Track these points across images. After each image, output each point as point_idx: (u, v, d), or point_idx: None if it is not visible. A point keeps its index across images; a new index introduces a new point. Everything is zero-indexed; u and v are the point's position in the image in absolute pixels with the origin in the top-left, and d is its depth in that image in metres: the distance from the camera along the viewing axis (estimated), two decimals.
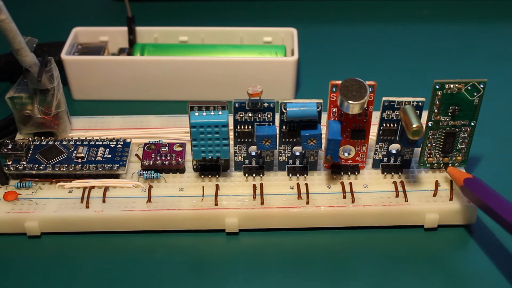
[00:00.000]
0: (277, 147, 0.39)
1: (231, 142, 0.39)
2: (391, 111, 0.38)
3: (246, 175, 0.40)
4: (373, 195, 0.39)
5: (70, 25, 0.51)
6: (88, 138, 0.41)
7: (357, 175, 0.40)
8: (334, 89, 0.37)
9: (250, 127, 0.38)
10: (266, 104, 0.37)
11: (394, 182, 0.39)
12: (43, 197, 0.38)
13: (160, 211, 0.38)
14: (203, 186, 0.39)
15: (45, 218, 0.37)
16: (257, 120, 0.38)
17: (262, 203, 0.38)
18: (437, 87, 0.37)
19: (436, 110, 0.38)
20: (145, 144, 0.41)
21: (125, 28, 0.50)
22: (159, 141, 0.41)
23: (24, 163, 0.39)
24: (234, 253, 0.37)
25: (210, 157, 0.38)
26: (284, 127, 0.38)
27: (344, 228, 0.38)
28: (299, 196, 0.39)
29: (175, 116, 0.44)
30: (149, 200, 0.38)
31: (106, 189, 0.39)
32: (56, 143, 0.40)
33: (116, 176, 0.39)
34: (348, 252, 0.37)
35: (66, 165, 0.39)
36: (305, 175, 0.40)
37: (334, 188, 0.39)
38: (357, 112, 0.36)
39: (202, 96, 0.48)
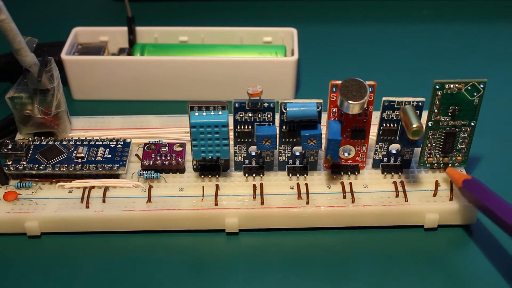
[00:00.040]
0: (277, 147, 0.39)
1: (231, 142, 0.39)
2: (391, 111, 0.38)
3: (246, 175, 0.40)
4: (373, 195, 0.39)
5: (70, 25, 0.51)
6: (88, 138, 0.41)
7: (357, 175, 0.40)
8: (334, 89, 0.37)
9: (250, 127, 0.38)
10: (266, 104, 0.37)
11: (394, 182, 0.39)
12: (43, 197, 0.38)
13: (160, 211, 0.38)
14: (203, 186, 0.39)
15: (45, 218, 0.37)
16: (257, 120, 0.38)
17: (262, 203, 0.38)
18: (437, 87, 0.37)
19: (436, 110, 0.38)
20: (145, 144, 0.41)
21: (125, 28, 0.50)
22: (159, 141, 0.41)
23: (24, 163, 0.39)
24: (234, 253, 0.37)
25: (210, 157, 0.38)
26: (284, 127, 0.38)
27: (344, 228, 0.38)
28: (299, 196, 0.39)
29: (175, 116, 0.44)
30: (149, 200, 0.38)
31: (106, 189, 0.39)
32: (56, 143, 0.40)
33: (116, 176, 0.39)
34: (348, 252, 0.37)
35: (66, 165, 0.39)
36: (305, 175, 0.40)
37: (334, 188, 0.39)
38: (357, 112, 0.36)
39: (202, 96, 0.48)
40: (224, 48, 0.49)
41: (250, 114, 0.37)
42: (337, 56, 0.55)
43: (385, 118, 0.38)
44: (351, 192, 0.39)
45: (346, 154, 0.40)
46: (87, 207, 0.38)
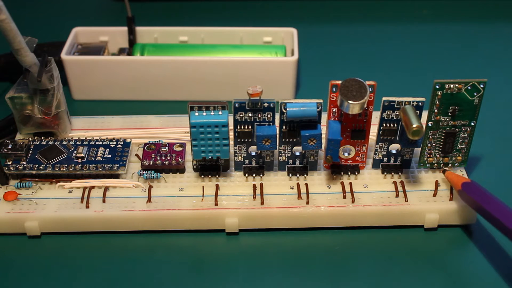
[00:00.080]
0: (277, 147, 0.39)
1: (231, 142, 0.39)
2: (391, 111, 0.38)
3: (246, 175, 0.40)
4: (373, 195, 0.39)
5: (70, 25, 0.51)
6: (88, 138, 0.41)
7: (357, 175, 0.40)
8: (334, 89, 0.37)
9: (250, 127, 0.38)
10: (266, 104, 0.37)
11: (394, 182, 0.39)
12: (43, 197, 0.38)
13: (160, 211, 0.38)
14: (203, 186, 0.39)
15: (45, 218, 0.37)
16: (257, 120, 0.38)
17: (262, 203, 0.38)
18: (437, 87, 0.37)
19: (436, 110, 0.38)
20: (145, 144, 0.41)
21: (125, 28, 0.50)
22: (159, 141, 0.41)
23: (24, 163, 0.39)
24: (234, 253, 0.37)
25: (210, 157, 0.38)
26: (284, 127, 0.38)
27: (344, 228, 0.38)
28: (299, 196, 0.39)
29: (175, 116, 0.44)
30: (149, 200, 0.38)
31: (106, 189, 0.39)
32: (56, 143, 0.40)
33: (116, 176, 0.39)
34: (348, 252, 0.37)
35: (66, 165, 0.39)
36: (305, 175, 0.40)
37: (334, 188, 0.39)
38: (357, 112, 0.36)
39: (202, 96, 0.48)
40: (224, 48, 0.49)
41: (250, 114, 0.37)
42: (337, 56, 0.55)
43: (385, 118, 0.38)
44: (351, 192, 0.39)
45: (346, 154, 0.40)
46: (87, 207, 0.38)
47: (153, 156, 0.40)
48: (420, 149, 0.39)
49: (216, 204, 0.38)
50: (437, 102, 0.37)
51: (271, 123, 0.38)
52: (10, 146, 0.39)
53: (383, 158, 0.40)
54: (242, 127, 0.38)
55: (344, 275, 0.36)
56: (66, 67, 0.47)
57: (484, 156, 0.44)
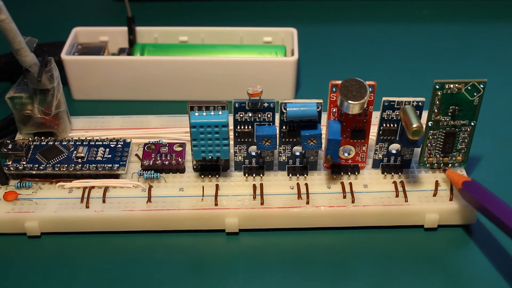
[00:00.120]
0: (277, 147, 0.39)
1: (231, 142, 0.39)
2: (391, 111, 0.38)
3: (246, 175, 0.40)
4: (373, 195, 0.39)
5: (70, 25, 0.51)
6: (88, 138, 0.41)
7: (357, 175, 0.40)
8: (334, 89, 0.37)
9: (250, 127, 0.38)
10: (266, 104, 0.37)
11: (394, 182, 0.39)
12: (43, 197, 0.38)
13: (160, 211, 0.38)
14: (203, 186, 0.39)
15: (45, 218, 0.37)
16: (257, 120, 0.38)
17: (262, 203, 0.38)
18: (437, 87, 0.37)
19: (436, 110, 0.38)
20: (145, 144, 0.41)
21: (125, 28, 0.50)
22: (159, 141, 0.41)
23: (24, 163, 0.39)
24: (234, 253, 0.37)
25: (210, 157, 0.38)
26: (284, 127, 0.38)
27: (344, 228, 0.38)
28: (299, 196, 0.39)
29: (175, 116, 0.44)
30: (149, 200, 0.38)
31: (106, 189, 0.39)
32: (56, 143, 0.40)
33: (116, 176, 0.39)
34: (348, 252, 0.37)
35: (66, 165, 0.39)
36: (305, 175, 0.40)
37: (334, 188, 0.39)
38: (357, 112, 0.36)
39: (202, 96, 0.48)
40: (224, 48, 0.49)
41: (250, 114, 0.37)
42: (337, 56, 0.55)
43: (385, 118, 0.38)
44: (351, 192, 0.39)
45: (346, 154, 0.40)
46: (87, 207, 0.38)
47: (153, 156, 0.40)
48: (420, 149, 0.39)
49: (216, 204, 0.38)
50: (437, 102, 0.37)
51: (271, 123, 0.38)
52: (10, 146, 0.39)
53: (383, 158, 0.40)
54: (242, 127, 0.38)
55: (344, 275, 0.36)
56: (66, 67, 0.47)
57: (484, 156, 0.44)
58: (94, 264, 0.37)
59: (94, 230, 0.38)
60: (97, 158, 0.39)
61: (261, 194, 0.38)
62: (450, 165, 0.40)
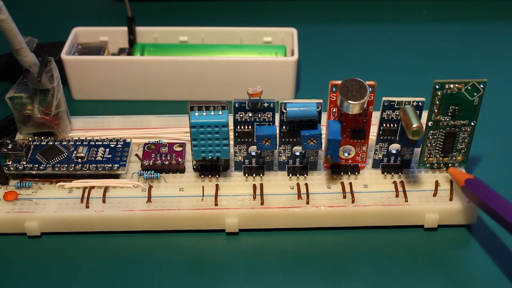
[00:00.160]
0: (277, 147, 0.39)
1: (231, 142, 0.39)
2: (391, 111, 0.38)
3: (246, 175, 0.40)
4: (373, 195, 0.39)
5: (70, 25, 0.51)
6: (88, 138, 0.41)
7: (357, 175, 0.40)
8: (334, 89, 0.37)
9: (250, 127, 0.38)
10: (266, 104, 0.37)
11: (394, 182, 0.39)
12: (43, 197, 0.38)
13: (160, 211, 0.38)
14: (203, 186, 0.39)
15: (45, 218, 0.37)
16: (257, 120, 0.38)
17: (262, 203, 0.38)
18: (437, 87, 0.37)
19: (436, 110, 0.38)
20: (145, 144, 0.41)
21: (125, 28, 0.50)
22: (159, 141, 0.41)
23: (24, 163, 0.39)
24: (234, 253, 0.37)
25: (210, 157, 0.38)
26: (284, 127, 0.38)
27: (344, 228, 0.38)
28: (299, 196, 0.39)
29: (175, 116, 0.44)
30: (149, 200, 0.38)
31: (106, 189, 0.39)
32: (56, 143, 0.40)
33: (116, 176, 0.39)
34: (348, 252, 0.37)
35: (66, 165, 0.39)
36: (305, 175, 0.40)
37: (334, 188, 0.39)
38: (357, 112, 0.36)
39: (202, 96, 0.48)
40: (224, 48, 0.49)
41: (250, 114, 0.37)
42: (337, 56, 0.55)
43: (385, 118, 0.38)
44: (351, 192, 0.39)
45: (346, 154, 0.40)
46: (87, 207, 0.38)
47: (153, 156, 0.40)
48: (420, 149, 0.39)
49: (216, 204, 0.38)
50: (437, 102, 0.37)
51: (271, 123, 0.38)
52: (10, 146, 0.39)
53: (383, 158, 0.40)
54: (242, 127, 0.38)
55: (344, 275, 0.36)
56: (66, 67, 0.47)
57: (484, 156, 0.44)
58: (94, 264, 0.37)
59: (94, 230, 0.38)
60: (97, 158, 0.39)
61: (261, 194, 0.38)
62: (450, 165, 0.40)
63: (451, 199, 0.38)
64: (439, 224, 0.38)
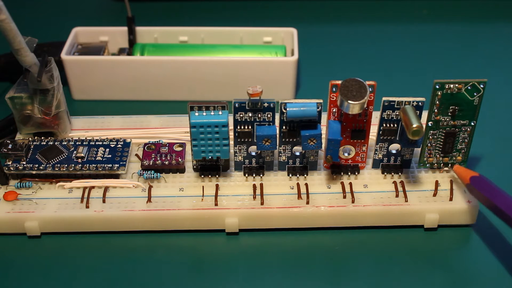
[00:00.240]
0: (277, 147, 0.39)
1: (231, 142, 0.39)
2: (391, 111, 0.38)
3: (246, 175, 0.40)
4: (373, 195, 0.39)
5: (70, 25, 0.51)
6: (88, 138, 0.41)
7: (357, 175, 0.40)
8: (334, 89, 0.37)
9: (250, 127, 0.38)
10: (266, 104, 0.37)
11: (394, 182, 0.39)
12: (43, 197, 0.38)
13: (160, 211, 0.38)
14: (203, 186, 0.39)
15: (45, 218, 0.37)
16: (257, 120, 0.38)
17: (262, 203, 0.38)
18: (437, 87, 0.37)
19: (436, 110, 0.38)
20: (145, 144, 0.41)
21: (125, 28, 0.50)
22: (159, 141, 0.41)
23: (24, 163, 0.39)
24: (234, 253, 0.37)
25: (210, 157, 0.38)
26: (284, 127, 0.38)
27: (344, 228, 0.38)
28: (299, 196, 0.39)
29: (175, 116, 0.44)
30: (149, 200, 0.38)
31: (106, 189, 0.39)
32: (56, 143, 0.40)
33: (116, 176, 0.39)
34: (348, 252, 0.37)
35: (66, 165, 0.39)
36: (305, 175, 0.40)
37: (334, 188, 0.39)
38: (357, 112, 0.36)
39: (202, 96, 0.48)
40: (224, 48, 0.49)
41: (250, 114, 0.37)
42: (337, 56, 0.55)
43: (385, 118, 0.38)
44: (351, 192, 0.39)
45: (346, 154, 0.40)
46: (87, 207, 0.38)
47: (153, 156, 0.40)
48: (420, 149, 0.39)
49: (216, 204, 0.38)
50: (437, 102, 0.37)
51: (271, 123, 0.38)
52: (10, 146, 0.39)
53: (383, 158, 0.40)
54: (242, 127, 0.38)
55: (344, 275, 0.36)
56: (66, 67, 0.47)
57: (484, 156, 0.44)
58: (94, 264, 0.37)
59: (94, 230, 0.38)
60: (97, 158, 0.39)
61: (261, 194, 0.38)
62: (450, 165, 0.40)
63: (451, 199, 0.38)
64: (439, 224, 0.38)
